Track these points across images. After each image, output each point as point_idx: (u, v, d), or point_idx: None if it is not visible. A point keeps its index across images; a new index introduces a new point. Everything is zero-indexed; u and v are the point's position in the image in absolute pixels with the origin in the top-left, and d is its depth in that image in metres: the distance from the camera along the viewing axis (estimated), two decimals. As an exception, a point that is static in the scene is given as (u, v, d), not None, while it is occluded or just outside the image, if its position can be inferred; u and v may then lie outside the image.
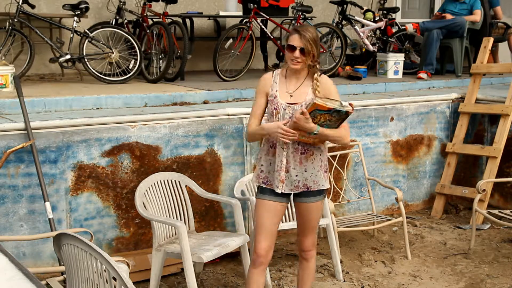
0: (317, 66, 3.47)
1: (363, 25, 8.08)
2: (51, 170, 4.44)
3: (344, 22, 7.92)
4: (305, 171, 3.47)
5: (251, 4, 6.99)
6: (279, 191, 3.48)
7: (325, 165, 3.55)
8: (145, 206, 4.19)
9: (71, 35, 6.34)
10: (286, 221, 4.91)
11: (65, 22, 6.83)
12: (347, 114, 3.33)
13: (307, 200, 3.53)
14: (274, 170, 3.49)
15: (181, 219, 4.42)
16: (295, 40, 3.39)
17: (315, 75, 3.46)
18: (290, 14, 7.89)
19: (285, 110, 3.44)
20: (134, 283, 2.48)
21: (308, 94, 3.44)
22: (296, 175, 3.46)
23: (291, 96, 3.47)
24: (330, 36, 7.57)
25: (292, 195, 3.57)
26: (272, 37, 7.38)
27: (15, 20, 6.03)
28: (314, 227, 3.66)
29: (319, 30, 7.83)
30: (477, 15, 7.83)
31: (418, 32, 7.81)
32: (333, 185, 5.53)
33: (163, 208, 4.37)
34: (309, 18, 7.88)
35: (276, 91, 3.49)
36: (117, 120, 4.71)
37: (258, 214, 3.56)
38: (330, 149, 5.61)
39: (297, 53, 3.38)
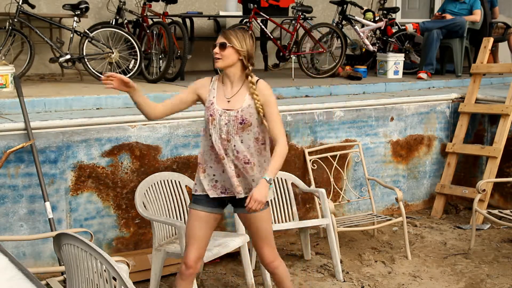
0: (250, 68, 3.37)
1: (363, 25, 8.08)
2: (51, 170, 4.44)
3: (344, 22, 7.93)
4: (247, 178, 3.39)
5: (251, 4, 6.99)
6: (238, 196, 3.37)
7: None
8: (145, 206, 4.20)
9: (71, 35, 6.34)
10: (286, 221, 4.92)
11: (65, 22, 6.83)
12: None
13: (244, 211, 3.38)
14: (228, 177, 3.37)
15: (181, 219, 4.42)
16: (217, 39, 3.34)
17: (249, 78, 3.35)
18: (290, 14, 7.89)
19: (220, 116, 3.32)
20: (134, 283, 2.48)
21: (245, 100, 3.34)
22: (225, 180, 3.41)
23: (228, 101, 3.35)
24: (330, 36, 7.58)
25: (233, 208, 3.50)
26: (272, 37, 7.38)
27: (15, 20, 6.03)
28: (266, 238, 3.52)
29: (319, 30, 7.84)
30: (477, 15, 7.83)
31: (418, 32, 7.81)
32: (333, 185, 5.54)
33: (163, 208, 4.37)
34: (309, 18, 7.89)
35: (214, 97, 3.38)
36: (117, 120, 4.71)
37: (189, 224, 3.46)
38: (330, 149, 5.62)
39: (216, 49, 3.30)
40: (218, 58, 3.31)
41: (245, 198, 3.35)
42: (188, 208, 3.55)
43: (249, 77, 3.36)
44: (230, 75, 3.38)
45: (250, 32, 3.50)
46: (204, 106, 3.43)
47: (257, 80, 3.42)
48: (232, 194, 3.43)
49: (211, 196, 3.42)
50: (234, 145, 3.34)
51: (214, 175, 3.42)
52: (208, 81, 3.45)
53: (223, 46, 3.30)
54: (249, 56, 3.37)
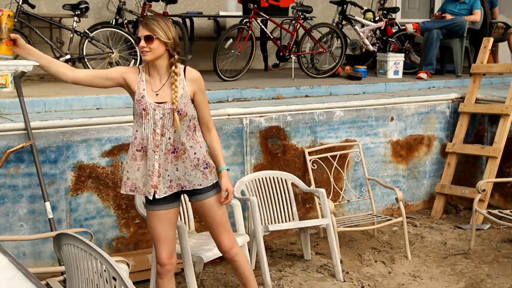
0: (176, 57, 3.26)
1: (363, 25, 8.09)
2: (51, 170, 4.44)
3: (344, 22, 7.93)
4: (177, 170, 3.32)
5: (251, 4, 6.99)
6: (151, 197, 3.32)
7: (204, 162, 3.35)
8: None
9: (71, 35, 6.35)
10: (285, 221, 4.92)
11: (65, 22, 6.84)
12: None
13: (199, 198, 3.41)
14: (142, 175, 3.32)
15: (181, 219, 4.42)
16: (140, 31, 3.21)
17: (173, 68, 3.25)
18: (290, 14, 7.89)
19: (154, 110, 3.24)
20: (134, 283, 2.48)
21: (178, 91, 3.27)
22: (168, 175, 3.32)
23: (157, 95, 3.26)
24: (330, 36, 7.58)
25: (188, 197, 3.49)
26: (272, 37, 7.38)
27: (15, 20, 6.03)
28: (222, 223, 3.50)
29: (319, 30, 7.85)
30: (477, 15, 7.83)
31: (418, 32, 7.81)
32: (333, 185, 5.54)
33: (163, 208, 4.36)
34: (309, 18, 7.89)
35: (144, 90, 3.27)
36: (117, 120, 4.71)
37: (151, 225, 3.42)
38: (330, 149, 5.62)
39: (142, 42, 3.18)
40: (147, 51, 3.19)
41: (197, 189, 3.36)
42: (145, 209, 3.50)
43: (173, 67, 3.26)
44: (158, 66, 3.28)
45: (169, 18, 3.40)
46: (132, 97, 3.34)
47: (184, 68, 3.35)
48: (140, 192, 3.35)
49: (158, 197, 3.32)
50: (169, 138, 3.28)
51: (127, 171, 3.36)
52: (136, 71, 3.33)
53: (149, 39, 3.17)
54: (175, 45, 3.25)
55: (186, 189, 3.38)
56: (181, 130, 3.28)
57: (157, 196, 3.32)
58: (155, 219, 3.39)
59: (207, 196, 3.41)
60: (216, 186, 3.44)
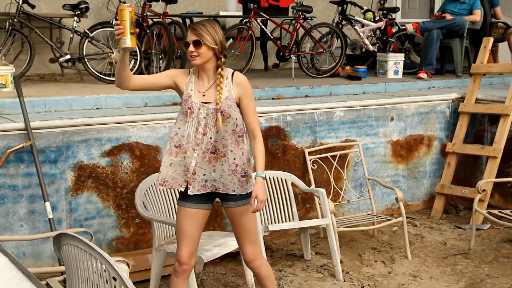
0: (222, 60, 3.33)
1: (363, 25, 8.09)
2: (51, 170, 4.44)
3: (344, 22, 7.93)
4: (214, 172, 3.36)
5: (251, 4, 6.99)
6: (183, 189, 3.37)
7: (242, 170, 3.37)
8: (145, 206, 4.20)
9: (71, 35, 6.35)
10: (286, 221, 4.92)
11: (65, 22, 6.84)
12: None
13: (230, 205, 3.42)
14: (174, 170, 3.37)
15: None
16: (188, 36, 3.29)
17: (219, 70, 3.32)
18: (290, 14, 7.89)
19: (199, 109, 3.32)
20: (134, 283, 2.48)
21: (223, 93, 3.33)
22: (204, 174, 3.35)
23: (203, 95, 3.35)
24: (330, 36, 7.58)
25: (221, 202, 3.49)
26: (272, 37, 7.38)
27: (15, 20, 6.03)
28: (248, 234, 3.50)
29: (319, 30, 7.85)
30: (477, 15, 7.83)
31: (418, 32, 7.81)
32: (333, 185, 5.54)
33: (163, 208, 4.37)
34: (309, 18, 7.89)
35: (191, 90, 3.37)
36: (117, 120, 4.71)
37: (178, 221, 3.44)
38: (330, 149, 5.62)
39: (191, 47, 3.27)
40: (195, 56, 3.28)
41: (230, 194, 3.38)
42: (177, 204, 3.54)
43: (219, 69, 3.33)
44: (206, 69, 3.36)
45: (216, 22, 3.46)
46: (180, 97, 3.42)
47: (233, 72, 3.39)
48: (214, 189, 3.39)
49: (191, 193, 3.38)
50: (210, 137, 3.33)
51: (161, 166, 3.41)
52: (186, 73, 3.42)
53: (197, 44, 3.26)
54: (222, 48, 3.32)
55: (220, 191, 3.39)
56: (223, 131, 3.33)
57: (189, 192, 3.36)
58: (183, 216, 3.42)
59: (239, 205, 3.41)
60: (249, 196, 3.42)
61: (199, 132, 3.32)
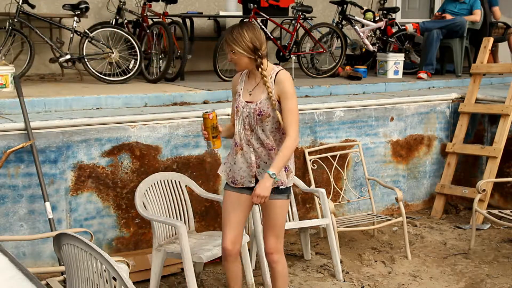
0: (261, 60, 3.40)
1: (363, 25, 8.09)
2: (51, 170, 4.44)
3: (344, 22, 7.93)
4: (269, 160, 3.48)
5: (251, 4, 6.99)
6: (252, 185, 3.49)
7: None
8: (145, 206, 4.20)
9: (71, 35, 6.35)
10: (286, 221, 4.91)
11: (65, 22, 6.84)
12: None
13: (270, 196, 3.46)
14: (239, 168, 3.52)
15: (181, 219, 4.42)
16: (224, 47, 3.48)
17: (259, 70, 3.42)
18: (290, 14, 7.89)
19: (243, 108, 3.48)
20: (134, 283, 2.48)
21: (263, 92, 3.44)
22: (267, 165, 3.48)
23: (250, 94, 3.50)
24: (330, 36, 7.58)
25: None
26: (272, 37, 7.38)
27: (15, 20, 6.03)
28: (274, 226, 3.56)
29: (319, 30, 7.84)
30: (477, 15, 7.83)
31: (418, 32, 7.81)
32: (333, 185, 5.54)
33: (163, 208, 4.37)
34: (309, 18, 7.89)
35: (241, 89, 3.55)
36: (117, 120, 4.71)
37: (224, 206, 3.61)
38: (330, 149, 5.62)
39: (229, 56, 3.45)
40: (235, 63, 3.47)
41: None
42: (224, 189, 3.68)
43: (260, 69, 3.42)
44: (251, 70, 3.52)
45: (248, 23, 3.55)
46: None
47: (278, 71, 3.46)
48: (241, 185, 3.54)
49: (231, 183, 3.58)
50: (258, 136, 3.46)
51: (229, 165, 3.60)
52: (238, 75, 3.61)
53: (231, 52, 3.43)
54: (255, 49, 3.39)
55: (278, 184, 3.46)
56: (268, 129, 3.45)
57: (250, 185, 3.51)
58: (228, 199, 3.58)
59: (275, 198, 3.48)
60: (287, 192, 3.54)
61: (246, 129, 3.48)
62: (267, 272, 4.35)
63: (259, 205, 3.73)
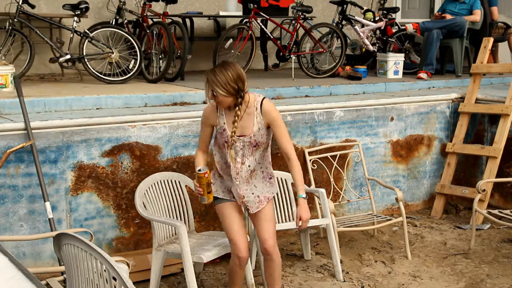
0: (241, 99, 3.52)
1: (363, 25, 8.08)
2: (51, 170, 4.44)
3: (344, 22, 7.92)
4: (255, 187, 3.71)
5: (251, 4, 6.99)
6: (243, 208, 3.74)
7: (268, 174, 3.76)
8: (145, 206, 4.19)
9: (71, 35, 6.35)
10: (286, 221, 4.91)
11: (65, 22, 6.83)
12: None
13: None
14: (231, 186, 3.71)
15: (181, 219, 4.42)
16: (206, 87, 3.55)
17: (243, 106, 3.54)
18: (290, 14, 7.89)
19: (235, 142, 3.60)
20: (134, 283, 2.48)
21: (255, 125, 3.58)
22: (253, 193, 3.70)
23: (237, 128, 3.58)
24: (330, 36, 7.58)
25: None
26: (272, 37, 7.38)
27: (15, 20, 6.03)
28: (271, 221, 3.78)
29: (319, 30, 7.84)
30: (477, 15, 7.83)
31: (418, 32, 7.81)
32: (333, 185, 5.54)
33: (163, 208, 4.37)
34: (309, 18, 7.89)
35: (224, 123, 3.61)
36: (117, 120, 4.71)
37: (224, 219, 3.71)
38: (330, 149, 5.62)
39: (212, 97, 3.53)
40: (217, 102, 3.55)
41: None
42: (215, 208, 3.79)
43: (242, 105, 3.55)
44: (232, 106, 3.58)
45: (230, 63, 3.61)
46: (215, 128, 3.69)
47: (262, 101, 3.59)
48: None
49: (252, 212, 3.75)
50: (249, 165, 3.64)
51: (227, 186, 3.75)
52: (213, 109, 3.64)
53: (214, 96, 3.52)
54: (238, 90, 3.49)
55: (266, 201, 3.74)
56: (258, 155, 3.67)
57: (251, 212, 3.73)
58: (225, 210, 3.72)
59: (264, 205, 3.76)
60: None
61: (238, 162, 3.62)
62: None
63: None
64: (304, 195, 3.62)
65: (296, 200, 3.85)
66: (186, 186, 4.53)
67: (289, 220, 4.93)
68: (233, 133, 3.55)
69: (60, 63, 6.32)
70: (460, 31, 7.68)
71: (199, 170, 3.59)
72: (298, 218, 3.62)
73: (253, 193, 3.69)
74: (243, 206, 3.73)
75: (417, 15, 10.01)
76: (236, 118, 3.53)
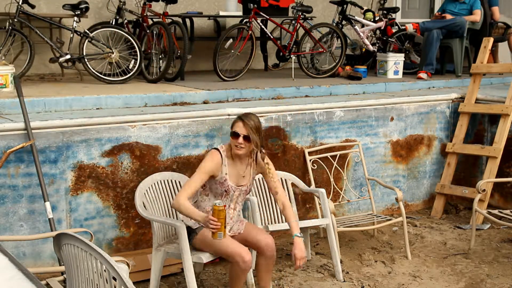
0: (259, 154, 3.85)
1: (363, 25, 8.08)
2: (51, 170, 4.44)
3: (344, 22, 7.92)
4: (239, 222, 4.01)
5: (251, 4, 6.98)
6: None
7: (241, 213, 4.12)
8: (145, 206, 4.19)
9: (71, 35, 6.34)
10: (286, 221, 4.91)
11: (65, 22, 6.83)
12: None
13: None
14: None
15: (181, 219, 4.41)
16: (238, 127, 3.72)
17: (252, 158, 3.85)
18: (290, 14, 7.89)
19: (234, 192, 3.83)
20: (134, 283, 2.48)
21: (251, 174, 3.90)
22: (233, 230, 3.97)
23: (243, 176, 3.84)
24: (330, 36, 7.58)
25: None
26: (272, 37, 7.38)
27: (15, 20, 6.03)
28: (256, 227, 4.15)
29: (319, 30, 7.84)
30: (477, 15, 7.83)
31: (418, 32, 7.81)
32: (333, 185, 5.54)
33: (163, 208, 4.37)
34: (309, 18, 7.89)
35: (226, 174, 3.78)
36: (117, 120, 4.71)
37: (214, 241, 3.70)
38: (330, 149, 5.62)
39: (240, 139, 3.70)
40: (242, 147, 3.72)
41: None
42: (198, 235, 3.90)
43: (251, 159, 3.87)
44: (243, 157, 3.82)
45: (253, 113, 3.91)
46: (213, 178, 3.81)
47: (256, 153, 3.85)
48: None
49: None
50: (239, 210, 3.96)
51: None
52: (220, 160, 3.78)
53: (247, 139, 3.71)
54: (260, 145, 3.78)
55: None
56: (243, 201, 3.99)
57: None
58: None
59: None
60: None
61: (231, 208, 3.87)
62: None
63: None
64: (300, 234, 3.80)
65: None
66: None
67: (289, 220, 4.93)
68: (241, 184, 3.83)
69: (60, 63, 6.32)
70: (460, 31, 7.68)
71: (218, 204, 3.52)
72: (293, 255, 3.78)
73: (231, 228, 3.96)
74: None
75: (417, 15, 10.01)
76: (249, 168, 3.85)
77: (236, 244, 3.79)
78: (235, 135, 3.72)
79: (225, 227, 3.58)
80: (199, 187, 3.78)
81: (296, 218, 3.93)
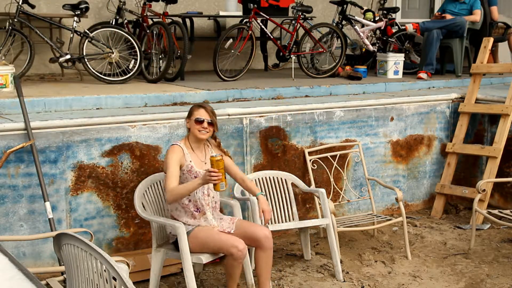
0: (215, 137, 4.18)
1: (363, 25, 8.08)
2: (51, 170, 4.44)
3: (344, 22, 7.93)
4: (221, 218, 4.14)
5: (251, 4, 6.99)
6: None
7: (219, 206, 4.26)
8: (144, 207, 4.19)
9: (71, 35, 6.35)
10: (286, 221, 4.92)
11: (65, 22, 6.84)
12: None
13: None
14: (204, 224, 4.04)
15: (181, 219, 4.41)
16: (201, 114, 3.99)
17: (213, 143, 4.16)
18: (290, 14, 7.89)
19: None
20: (134, 283, 2.48)
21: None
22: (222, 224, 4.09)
23: (205, 163, 4.01)
24: (330, 36, 7.58)
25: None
26: (272, 37, 7.38)
27: (15, 20, 6.03)
28: (252, 223, 4.30)
29: (319, 30, 7.84)
30: (477, 15, 7.83)
31: (418, 32, 7.81)
32: (333, 185, 5.54)
33: (163, 208, 4.36)
34: (309, 18, 7.89)
35: (191, 161, 3.98)
36: (117, 120, 4.71)
37: (207, 237, 3.91)
38: (330, 149, 5.62)
39: (205, 124, 3.97)
40: (206, 132, 3.99)
41: None
42: (189, 238, 3.93)
43: (214, 142, 4.18)
44: (200, 144, 4.07)
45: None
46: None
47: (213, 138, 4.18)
48: None
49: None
50: (213, 196, 4.06)
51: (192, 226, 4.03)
52: (180, 149, 3.99)
53: (211, 124, 4.01)
54: (216, 128, 4.11)
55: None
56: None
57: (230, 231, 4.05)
58: (204, 230, 3.97)
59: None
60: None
61: (205, 194, 4.00)
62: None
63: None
64: (261, 193, 4.17)
65: (258, 199, 4.18)
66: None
67: (289, 220, 4.94)
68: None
69: (60, 63, 6.32)
70: (460, 31, 7.68)
71: (215, 155, 3.72)
72: (261, 211, 4.08)
73: (221, 219, 4.11)
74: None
75: (417, 15, 10.02)
76: (207, 154, 4.03)
77: (228, 236, 3.92)
78: (199, 121, 3.97)
79: (225, 177, 3.77)
80: (177, 175, 3.90)
81: (254, 184, 4.35)
